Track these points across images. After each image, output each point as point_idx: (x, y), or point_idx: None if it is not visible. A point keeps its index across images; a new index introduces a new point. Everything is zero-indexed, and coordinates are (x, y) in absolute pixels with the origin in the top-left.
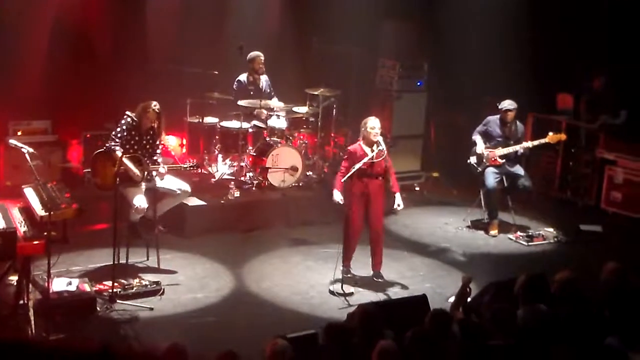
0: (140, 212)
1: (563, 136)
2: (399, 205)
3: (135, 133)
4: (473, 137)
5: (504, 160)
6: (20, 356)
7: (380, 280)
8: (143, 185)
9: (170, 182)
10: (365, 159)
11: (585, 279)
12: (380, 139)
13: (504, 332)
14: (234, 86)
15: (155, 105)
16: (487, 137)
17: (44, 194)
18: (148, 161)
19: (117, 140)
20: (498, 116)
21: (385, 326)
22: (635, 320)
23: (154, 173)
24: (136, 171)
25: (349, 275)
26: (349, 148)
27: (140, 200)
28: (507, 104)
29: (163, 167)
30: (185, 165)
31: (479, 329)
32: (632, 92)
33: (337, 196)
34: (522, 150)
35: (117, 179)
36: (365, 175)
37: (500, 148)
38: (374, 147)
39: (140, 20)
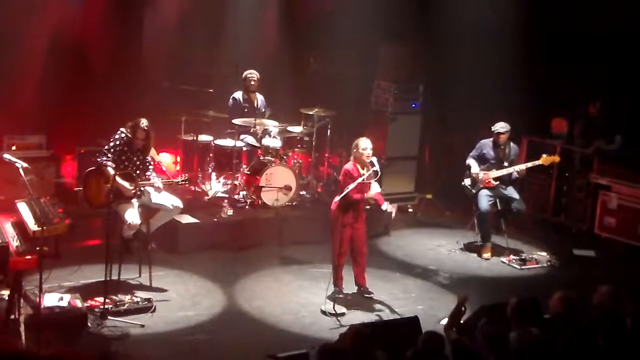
0: (133, 228)
1: (557, 158)
2: (392, 212)
3: (127, 150)
4: (467, 162)
5: (498, 182)
6: None
7: (369, 295)
8: (136, 202)
9: (163, 198)
10: (359, 180)
11: (578, 303)
12: (374, 159)
13: (496, 355)
14: (229, 103)
15: (143, 123)
16: (481, 160)
17: (37, 209)
18: (142, 177)
19: (109, 155)
20: (491, 139)
21: (377, 347)
22: (628, 345)
23: (150, 188)
24: (127, 185)
25: (340, 296)
26: (345, 167)
27: (132, 217)
28: (500, 126)
29: (159, 182)
30: (177, 180)
31: (471, 351)
32: (627, 118)
33: (386, 206)
34: (516, 174)
35: (111, 196)
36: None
37: (494, 170)
38: (366, 168)
39: (137, 38)
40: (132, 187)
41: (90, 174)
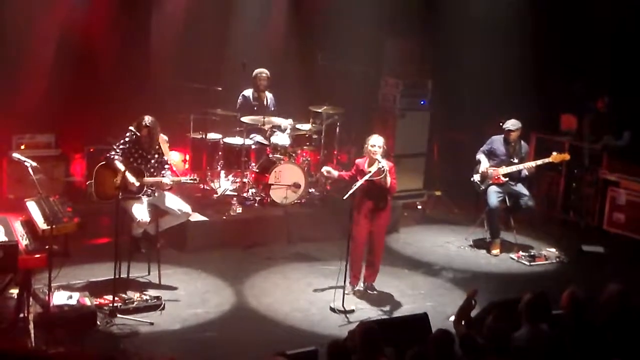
0: (142, 225)
1: (567, 156)
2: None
3: (138, 148)
4: (477, 157)
5: (507, 179)
6: None
7: (373, 292)
8: (145, 199)
9: (172, 202)
10: (366, 177)
11: (585, 301)
12: (379, 157)
13: (498, 352)
14: (239, 101)
15: (145, 120)
16: (491, 155)
17: (46, 207)
18: (155, 175)
19: (118, 150)
20: (502, 135)
21: (386, 344)
22: (637, 342)
23: (157, 188)
24: (133, 180)
25: (350, 293)
26: (356, 161)
27: (142, 214)
28: (510, 124)
29: (166, 179)
30: (185, 178)
31: (480, 346)
32: (636, 113)
33: (327, 168)
34: (526, 171)
35: (119, 193)
36: (367, 193)
37: (503, 167)
38: (374, 165)
39: (145, 36)
40: (137, 182)
41: (101, 167)
